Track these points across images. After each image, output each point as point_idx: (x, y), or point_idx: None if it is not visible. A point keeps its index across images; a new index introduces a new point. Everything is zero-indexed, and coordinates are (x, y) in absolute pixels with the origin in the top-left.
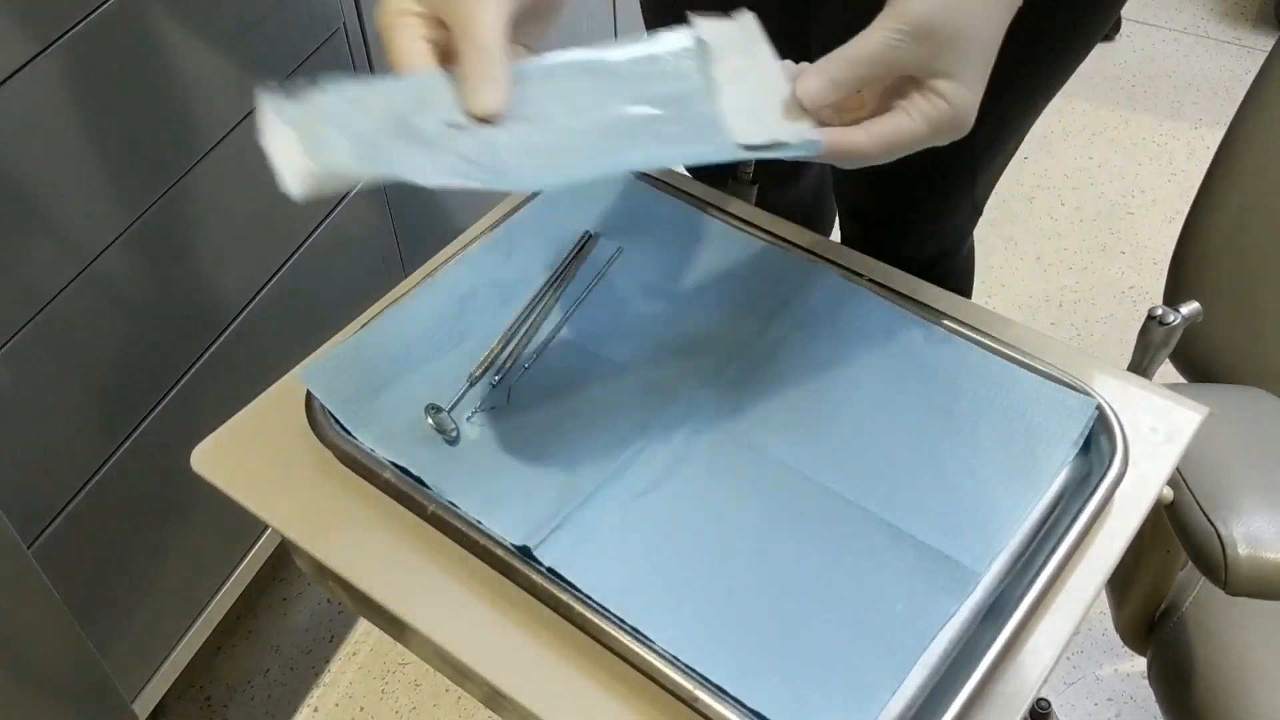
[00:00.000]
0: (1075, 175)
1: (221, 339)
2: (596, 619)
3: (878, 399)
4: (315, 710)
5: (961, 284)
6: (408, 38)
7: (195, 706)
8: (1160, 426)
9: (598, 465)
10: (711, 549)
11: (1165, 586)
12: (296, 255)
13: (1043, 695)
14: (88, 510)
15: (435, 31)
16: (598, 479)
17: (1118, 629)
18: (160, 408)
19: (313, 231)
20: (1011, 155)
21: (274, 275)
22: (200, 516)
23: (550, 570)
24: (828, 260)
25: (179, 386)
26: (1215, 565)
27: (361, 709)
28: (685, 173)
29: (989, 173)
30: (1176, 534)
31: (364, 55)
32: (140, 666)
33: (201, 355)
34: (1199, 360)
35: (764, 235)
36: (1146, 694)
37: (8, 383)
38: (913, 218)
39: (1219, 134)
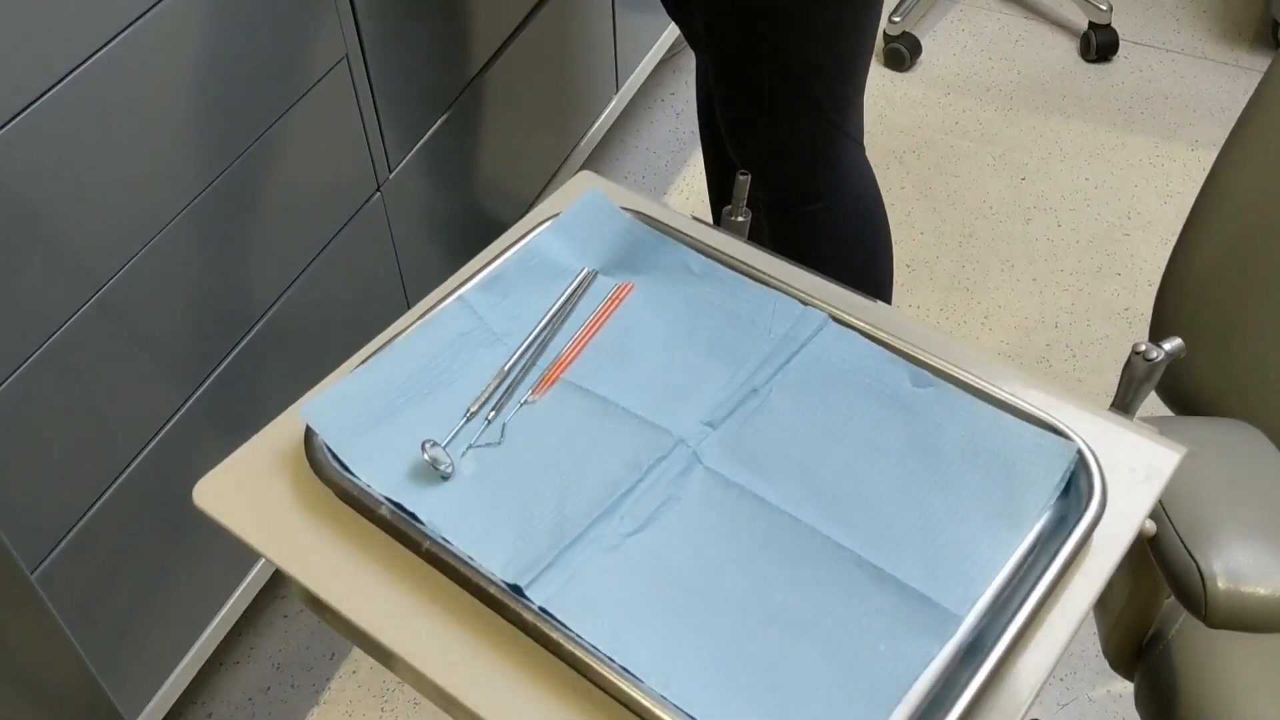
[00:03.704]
0: (1072, 196)
1: (222, 367)
2: (586, 657)
3: (864, 441)
4: None
5: (826, 247)
6: None
7: None
8: (1139, 466)
9: (589, 504)
10: (699, 589)
11: (1151, 614)
12: (297, 285)
13: (1035, 717)
14: (91, 535)
15: None
16: (589, 518)
17: (1106, 655)
18: (163, 434)
19: (312, 261)
20: (829, 74)
21: (274, 303)
22: (202, 536)
23: (541, 609)
24: (820, 303)
25: (181, 413)
26: (1195, 598)
27: None
28: (681, 213)
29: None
30: (1158, 566)
31: (367, 86)
32: (143, 685)
33: (203, 383)
34: (1184, 392)
35: (758, 276)
36: (1138, 717)
37: (14, 409)
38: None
39: (1216, 156)
